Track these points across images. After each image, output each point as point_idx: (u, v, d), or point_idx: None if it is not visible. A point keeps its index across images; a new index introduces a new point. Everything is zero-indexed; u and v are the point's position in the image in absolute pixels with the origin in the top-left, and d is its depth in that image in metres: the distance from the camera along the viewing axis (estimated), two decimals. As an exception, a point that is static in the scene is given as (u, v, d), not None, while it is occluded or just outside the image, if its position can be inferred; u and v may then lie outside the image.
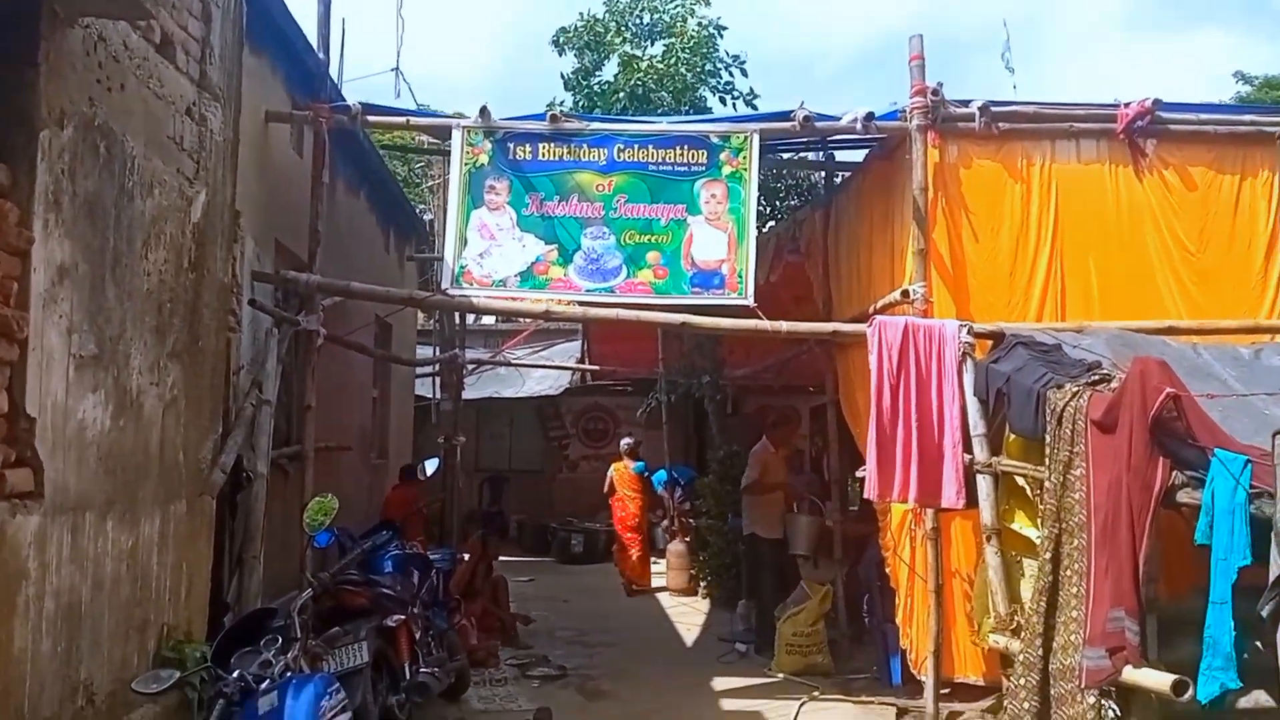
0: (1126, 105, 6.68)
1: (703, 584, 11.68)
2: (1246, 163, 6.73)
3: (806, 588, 8.32)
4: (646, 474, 13.30)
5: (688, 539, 12.45)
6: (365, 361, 10.32)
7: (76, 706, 3.91)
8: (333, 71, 8.31)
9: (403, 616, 6.12)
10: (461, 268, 6.69)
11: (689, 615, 10.75)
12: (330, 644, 4.46)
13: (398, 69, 8.99)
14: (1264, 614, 2.72)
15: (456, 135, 6.73)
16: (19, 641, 3.50)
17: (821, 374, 11.79)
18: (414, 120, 7.09)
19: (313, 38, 7.06)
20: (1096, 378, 4.27)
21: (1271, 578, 2.62)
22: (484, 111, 6.70)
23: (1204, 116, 6.81)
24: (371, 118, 6.93)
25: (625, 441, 13.64)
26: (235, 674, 3.61)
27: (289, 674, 3.74)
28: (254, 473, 5.82)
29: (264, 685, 3.62)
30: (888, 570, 6.90)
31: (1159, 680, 3.40)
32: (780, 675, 7.80)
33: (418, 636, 6.45)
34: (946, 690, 6.09)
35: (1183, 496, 3.53)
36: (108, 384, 4.20)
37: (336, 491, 9.23)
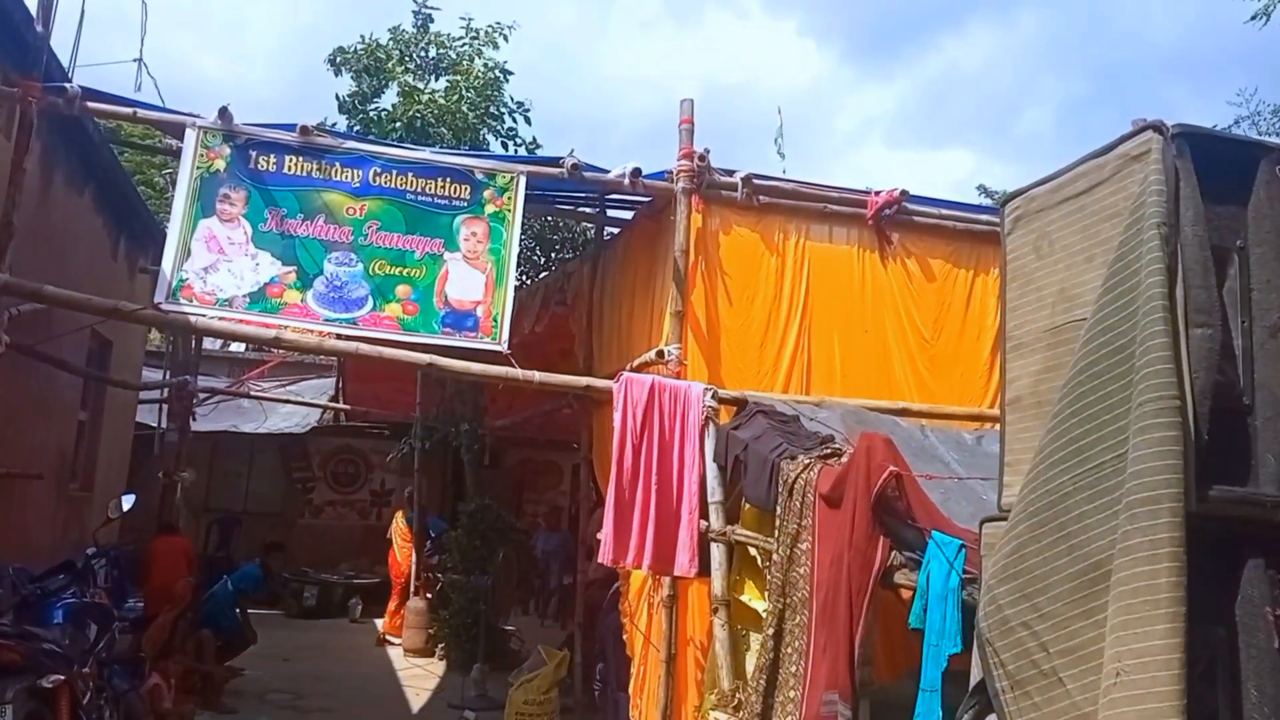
0: (877, 193, 6.94)
1: (440, 645, 11.06)
2: (980, 259, 7.13)
3: (543, 653, 7.97)
4: (414, 526, 12.69)
5: (429, 595, 11.80)
6: (72, 379, 9.15)
7: None
8: (66, 55, 7.34)
9: (63, 676, 5.26)
10: (181, 281, 5.96)
11: (421, 678, 10.11)
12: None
13: (140, 59, 8.03)
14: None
15: (190, 135, 6.05)
16: None
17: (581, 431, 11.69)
18: (141, 113, 6.31)
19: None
20: (829, 451, 4.23)
21: (972, 682, 2.53)
22: (224, 113, 6.07)
23: (944, 211, 7.17)
24: (92, 104, 6.12)
25: (408, 489, 12.97)
26: None
27: None
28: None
29: None
30: (625, 638, 6.67)
31: (867, 769, 3.29)
32: (507, 746, 7.39)
33: (86, 699, 5.57)
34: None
35: (900, 578, 3.48)
36: None
37: (20, 525, 8.13)
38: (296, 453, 16.40)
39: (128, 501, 6.99)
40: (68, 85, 6.15)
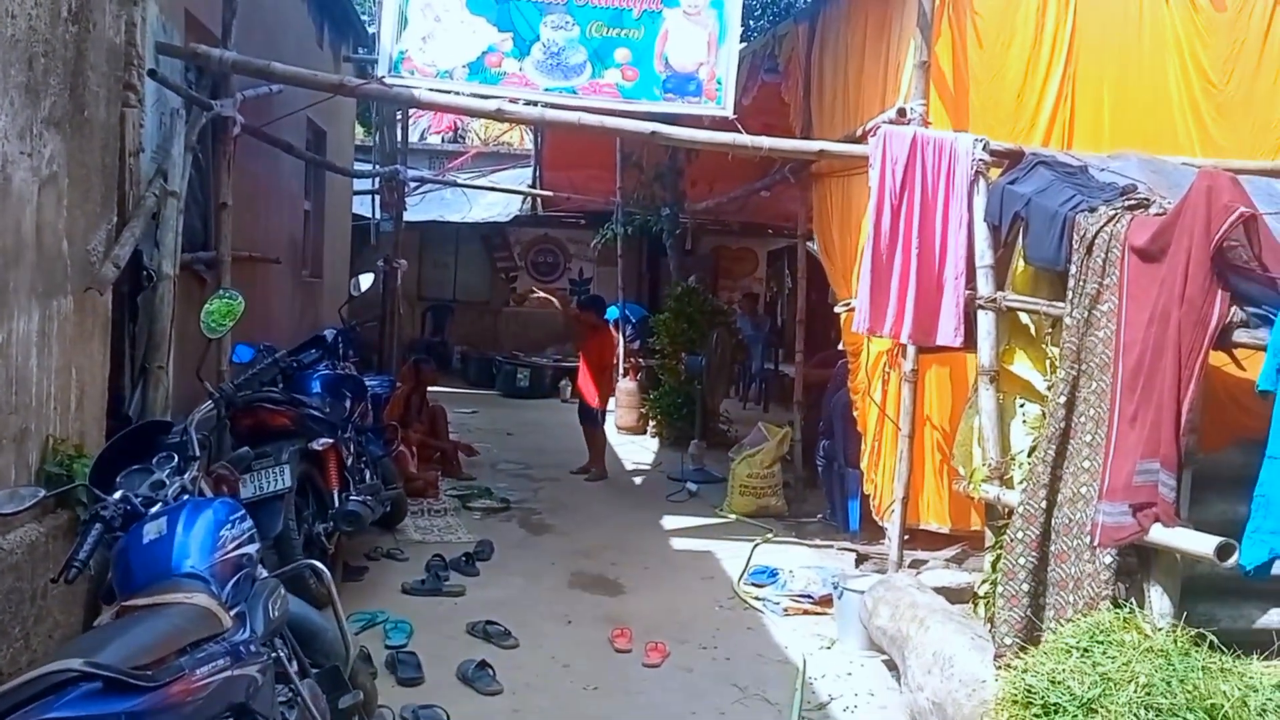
0: (1161, -92, 5.91)
1: (652, 423, 11.34)
2: (1284, -16, 6.06)
3: (765, 429, 7.97)
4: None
5: (638, 377, 12.06)
6: (295, 169, 9.41)
7: (-69, 525, 3.32)
8: None
9: (331, 440, 5.60)
10: (401, 54, 5.81)
11: (637, 453, 10.44)
12: (238, 464, 3.89)
13: None
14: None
15: (397, -109, 5.74)
16: None
17: (782, 213, 11.24)
18: None
19: None
20: (1133, 202, 3.71)
21: None
22: None
23: (1245, -73, 6.05)
24: None
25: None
26: (118, 495, 3.00)
27: (185, 497, 3.15)
28: (157, 272, 5.09)
29: (154, 510, 3.04)
30: (855, 414, 6.51)
31: (1198, 542, 3.00)
32: (732, 516, 7.53)
33: (349, 462, 5.96)
34: (907, 538, 5.82)
35: (1241, 336, 3.05)
36: (-41, 145, 3.42)
37: (263, 307, 8.60)
38: (499, 243, 16.77)
39: (366, 280, 7.23)
40: None
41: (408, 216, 12.68)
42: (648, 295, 16.08)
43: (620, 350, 13.08)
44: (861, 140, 5.85)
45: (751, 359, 14.13)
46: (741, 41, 10.78)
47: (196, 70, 6.11)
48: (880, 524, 6.16)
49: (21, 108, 3.84)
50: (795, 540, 6.88)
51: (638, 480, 9.22)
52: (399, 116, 11.84)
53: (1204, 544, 2.96)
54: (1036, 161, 4.42)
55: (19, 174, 3.84)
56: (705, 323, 10.70)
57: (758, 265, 17.75)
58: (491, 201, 15.58)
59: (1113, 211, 3.61)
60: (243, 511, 3.15)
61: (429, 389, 9.41)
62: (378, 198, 12.85)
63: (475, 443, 9.93)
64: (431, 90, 5.93)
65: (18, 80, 3.80)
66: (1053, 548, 3.54)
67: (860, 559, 6.20)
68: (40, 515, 3.99)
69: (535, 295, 10.58)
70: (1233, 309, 3.07)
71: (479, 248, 16.85)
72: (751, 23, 11.33)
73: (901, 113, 5.64)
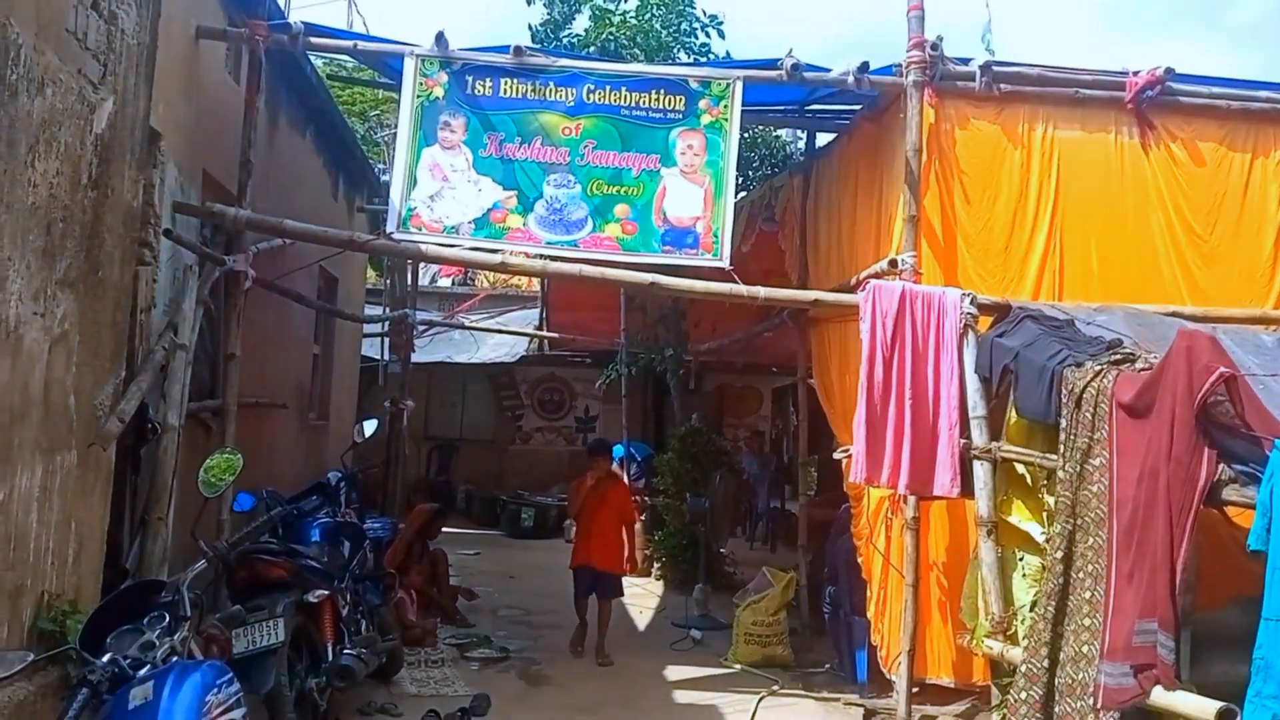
0: (1136, 74, 6.23)
1: (657, 565, 11.18)
2: (1259, 141, 6.32)
3: (769, 575, 7.85)
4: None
5: (643, 517, 11.96)
6: (306, 315, 9.63)
7: (-83, 688, 3.28)
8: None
9: (327, 591, 5.55)
10: (410, 210, 6.05)
11: (641, 597, 10.23)
12: (229, 623, 3.86)
13: (352, -1, 8.20)
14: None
15: (409, 64, 6.08)
16: None
17: (785, 353, 11.39)
18: (361, 45, 6.40)
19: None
20: (1119, 356, 3.78)
21: None
22: (440, 39, 6.05)
23: (1217, 90, 6.36)
24: (314, 39, 6.24)
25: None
26: (106, 658, 2.99)
27: (175, 658, 3.14)
28: (162, 424, 5.16)
29: (143, 672, 3.01)
30: (859, 560, 6.43)
31: (1200, 707, 2.93)
32: (738, 666, 7.34)
33: (345, 613, 5.88)
34: (916, 690, 5.67)
35: (1230, 493, 3.06)
36: (-25, 309, 3.54)
37: (269, 452, 8.67)
38: (505, 382, 16.93)
39: (370, 427, 7.29)
40: (291, 23, 6.29)
41: (416, 358, 12.86)
42: (653, 433, 16.11)
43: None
44: (856, 289, 5.99)
45: (758, 497, 14.05)
46: (740, 191, 11.25)
47: (212, 225, 6.36)
48: (888, 676, 6.01)
49: (37, 270, 3.98)
50: (802, 693, 6.68)
51: (641, 626, 9.03)
52: (409, 262, 12.17)
53: (1205, 709, 2.90)
54: (1024, 315, 4.52)
55: (30, 334, 3.95)
56: (709, 463, 10.68)
57: (762, 403, 17.84)
58: (498, 342, 15.82)
59: (1099, 367, 3.68)
60: (230, 675, 3.12)
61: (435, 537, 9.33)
62: (387, 340, 13.08)
63: (476, 586, 9.79)
64: (438, 245, 6.14)
65: (35, 245, 3.96)
66: (1057, 709, 3.46)
67: (868, 714, 6.01)
68: (30, 674, 3.93)
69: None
70: (1220, 466, 3.09)
71: (486, 387, 17.01)
72: (751, 173, 11.70)
73: (893, 264, 5.80)
